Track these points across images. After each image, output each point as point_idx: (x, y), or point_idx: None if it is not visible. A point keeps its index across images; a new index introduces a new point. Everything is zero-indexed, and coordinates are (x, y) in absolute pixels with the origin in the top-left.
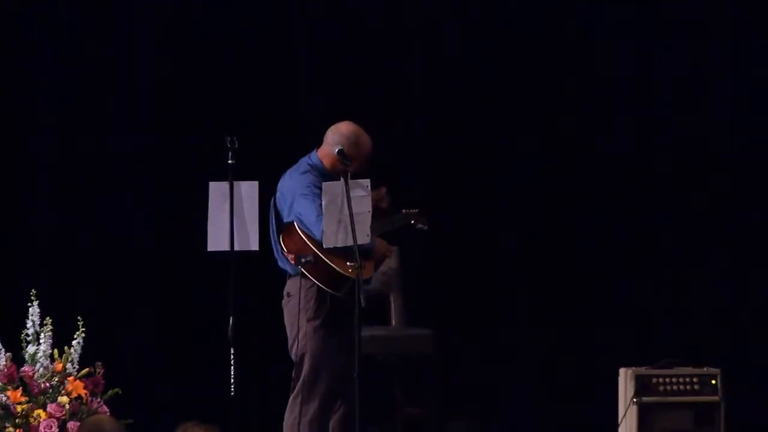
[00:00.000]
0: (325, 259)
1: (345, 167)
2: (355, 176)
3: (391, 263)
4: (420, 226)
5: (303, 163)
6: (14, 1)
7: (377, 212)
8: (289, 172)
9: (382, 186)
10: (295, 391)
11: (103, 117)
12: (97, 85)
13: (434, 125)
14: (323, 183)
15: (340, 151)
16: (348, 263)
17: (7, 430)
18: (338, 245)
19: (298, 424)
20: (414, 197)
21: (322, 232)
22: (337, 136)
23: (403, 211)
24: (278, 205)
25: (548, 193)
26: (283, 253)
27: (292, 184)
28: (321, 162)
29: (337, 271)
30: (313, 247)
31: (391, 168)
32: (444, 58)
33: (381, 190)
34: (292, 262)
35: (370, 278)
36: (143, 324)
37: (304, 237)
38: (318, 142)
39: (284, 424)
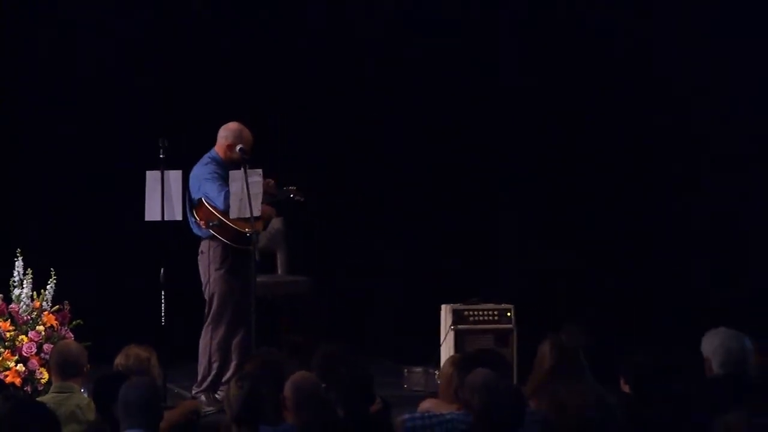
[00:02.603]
0: (227, 222)
1: (242, 157)
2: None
3: (277, 226)
4: (298, 198)
5: (206, 156)
6: None
7: (266, 194)
8: (197, 164)
9: (270, 178)
10: (207, 321)
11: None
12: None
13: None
14: (230, 171)
15: (241, 149)
16: (246, 227)
17: (1, 352)
18: (241, 216)
19: (209, 345)
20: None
21: (224, 202)
22: (226, 131)
23: (284, 188)
24: (190, 188)
25: (386, 155)
26: (196, 222)
27: (198, 172)
28: (217, 154)
29: (236, 229)
30: (217, 215)
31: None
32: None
33: (270, 180)
34: (203, 227)
35: (259, 231)
36: (99, 274)
37: (210, 208)
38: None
39: (200, 345)
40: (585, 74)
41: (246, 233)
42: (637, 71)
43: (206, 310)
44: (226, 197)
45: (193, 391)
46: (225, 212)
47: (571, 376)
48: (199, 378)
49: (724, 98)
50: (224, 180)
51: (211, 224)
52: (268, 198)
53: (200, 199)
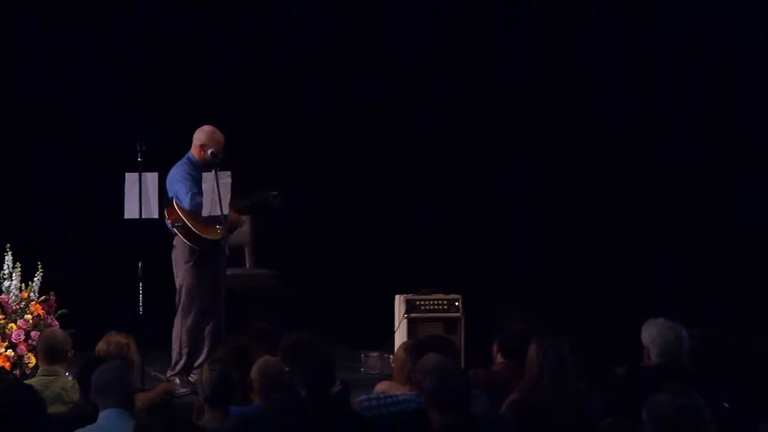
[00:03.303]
0: (191, 226)
1: (213, 160)
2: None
3: (245, 226)
4: (276, 202)
5: (183, 157)
6: None
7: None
8: (175, 165)
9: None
10: (177, 311)
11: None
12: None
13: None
14: (203, 173)
15: (212, 153)
16: (215, 227)
17: None
18: (213, 214)
19: (180, 332)
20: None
21: (189, 203)
22: (199, 134)
23: (271, 193)
24: (166, 187)
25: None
26: (167, 220)
27: (173, 172)
28: (193, 155)
29: (198, 234)
30: (183, 217)
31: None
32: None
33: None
34: (170, 225)
35: (223, 237)
36: (82, 268)
37: (177, 209)
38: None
39: (173, 333)
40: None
41: (207, 239)
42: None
43: (176, 300)
44: (192, 198)
45: (168, 374)
46: (191, 214)
47: (556, 374)
48: (173, 362)
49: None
50: (196, 181)
51: (176, 225)
52: (245, 201)
53: (171, 198)
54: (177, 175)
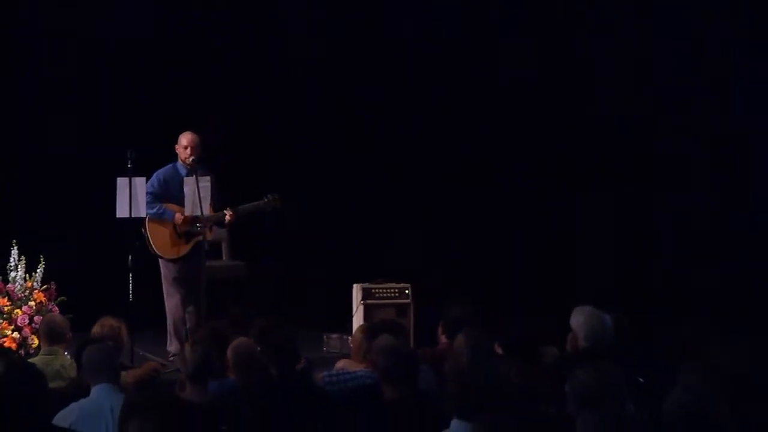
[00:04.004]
0: (147, 226)
1: (188, 158)
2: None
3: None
4: (277, 206)
5: (169, 164)
6: None
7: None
8: None
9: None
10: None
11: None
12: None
13: None
14: (185, 178)
15: (185, 150)
16: (176, 244)
17: (0, 322)
18: (194, 213)
19: (167, 314)
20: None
21: (147, 207)
22: (180, 138)
23: (267, 198)
24: None
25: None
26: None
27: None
28: (179, 160)
29: (154, 249)
30: (145, 223)
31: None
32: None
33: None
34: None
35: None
36: (79, 260)
37: (146, 220)
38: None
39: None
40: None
41: (158, 255)
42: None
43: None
44: (147, 204)
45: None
46: (149, 221)
47: (479, 358)
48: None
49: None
50: (164, 184)
51: (143, 230)
52: (251, 208)
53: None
54: (152, 179)
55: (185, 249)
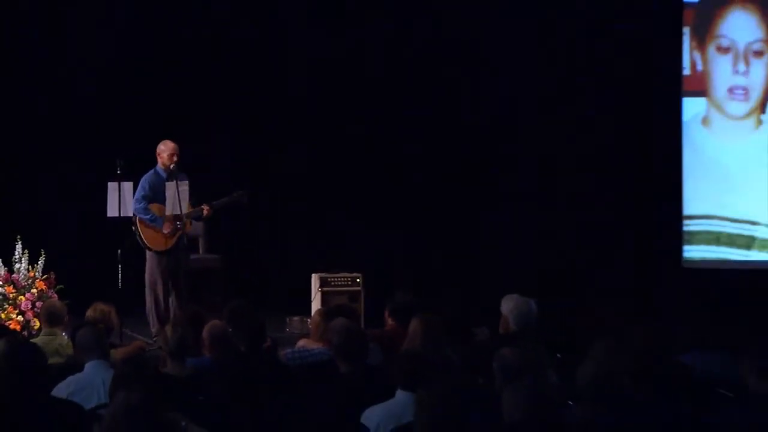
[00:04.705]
0: (140, 227)
1: (168, 163)
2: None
3: (200, 225)
4: (244, 200)
5: (151, 170)
6: None
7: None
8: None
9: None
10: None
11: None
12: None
13: None
14: (167, 183)
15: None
16: (164, 235)
17: (6, 307)
18: (174, 213)
19: (151, 305)
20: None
21: (134, 206)
22: (159, 146)
23: (234, 194)
24: None
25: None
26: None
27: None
28: (159, 166)
29: (144, 241)
30: (136, 220)
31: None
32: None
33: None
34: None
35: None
36: (75, 253)
37: (136, 219)
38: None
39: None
40: None
41: (144, 240)
42: None
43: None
44: (137, 203)
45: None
46: (144, 224)
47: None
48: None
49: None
50: (153, 187)
51: (133, 228)
52: (216, 206)
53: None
54: (140, 183)
55: (171, 242)
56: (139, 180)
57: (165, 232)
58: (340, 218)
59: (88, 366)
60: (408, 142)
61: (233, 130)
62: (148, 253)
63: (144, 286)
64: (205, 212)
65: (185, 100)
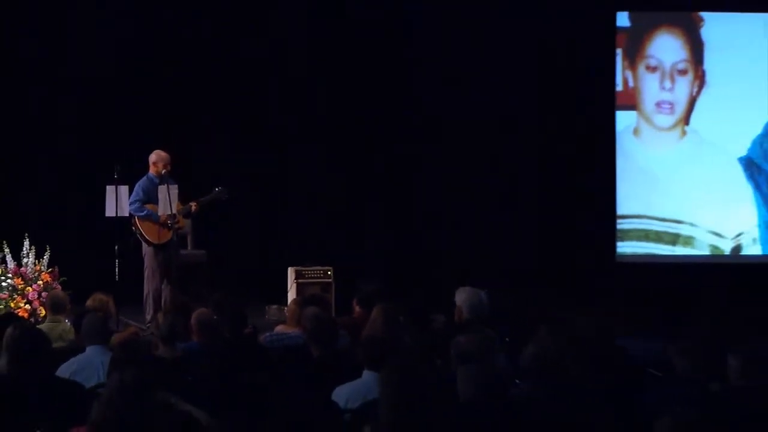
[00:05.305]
0: (138, 224)
1: (161, 171)
2: (171, 175)
3: (188, 222)
4: (225, 197)
5: (144, 176)
6: None
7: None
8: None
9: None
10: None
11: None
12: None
13: None
14: (159, 186)
15: (162, 166)
16: (160, 229)
17: (15, 297)
18: (165, 212)
19: (147, 294)
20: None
21: (129, 207)
22: (152, 156)
23: (215, 189)
24: None
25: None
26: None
27: (135, 187)
28: (151, 172)
29: (144, 235)
30: (137, 223)
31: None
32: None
33: (194, 204)
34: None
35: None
36: (77, 249)
37: (134, 218)
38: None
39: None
40: None
41: (150, 240)
42: None
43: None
44: (131, 204)
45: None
46: (142, 221)
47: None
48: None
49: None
50: (147, 191)
51: (133, 227)
52: (201, 202)
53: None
54: (135, 188)
55: (166, 236)
56: (134, 184)
57: (162, 218)
58: (313, 218)
59: (90, 349)
60: (377, 146)
61: (216, 139)
62: (145, 249)
63: (139, 278)
64: (193, 208)
65: (175, 110)
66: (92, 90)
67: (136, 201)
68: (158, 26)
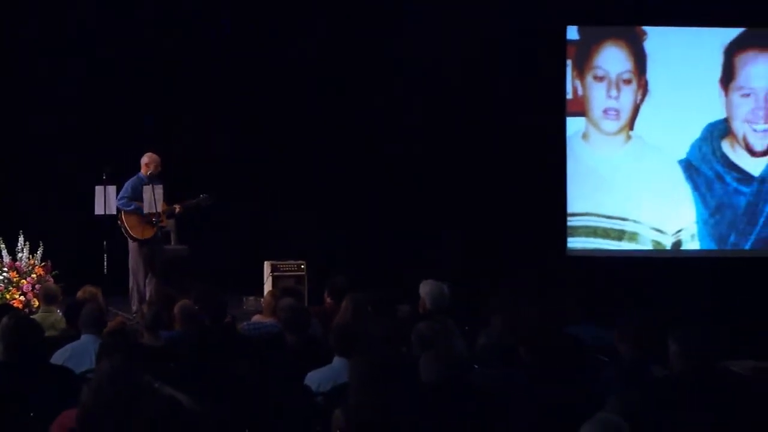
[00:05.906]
0: (124, 221)
1: (151, 171)
2: (158, 176)
3: (171, 221)
4: (207, 203)
5: (135, 175)
6: None
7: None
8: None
9: (177, 204)
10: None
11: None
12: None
13: None
14: (144, 186)
15: (154, 167)
16: (146, 226)
17: (10, 289)
18: (149, 211)
19: (134, 287)
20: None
21: (117, 202)
22: (143, 158)
23: (201, 196)
24: None
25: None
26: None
27: (124, 185)
28: (141, 173)
29: (129, 231)
30: (122, 215)
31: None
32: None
33: (178, 207)
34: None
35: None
36: (69, 244)
37: (121, 213)
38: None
39: (129, 287)
40: None
41: (135, 237)
42: None
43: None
44: (119, 200)
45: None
46: (128, 216)
47: (359, 313)
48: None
49: None
50: (135, 190)
51: (118, 221)
52: (185, 206)
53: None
54: (125, 185)
55: (150, 233)
56: (122, 184)
57: (145, 214)
58: (288, 215)
59: (84, 337)
60: (349, 144)
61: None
62: (131, 244)
63: (126, 271)
64: (177, 210)
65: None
66: (88, 91)
67: (124, 197)
68: (156, 27)
